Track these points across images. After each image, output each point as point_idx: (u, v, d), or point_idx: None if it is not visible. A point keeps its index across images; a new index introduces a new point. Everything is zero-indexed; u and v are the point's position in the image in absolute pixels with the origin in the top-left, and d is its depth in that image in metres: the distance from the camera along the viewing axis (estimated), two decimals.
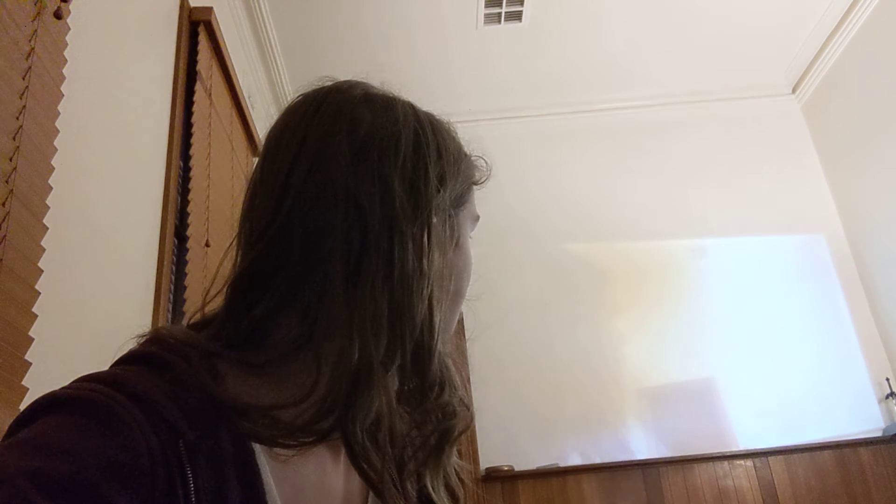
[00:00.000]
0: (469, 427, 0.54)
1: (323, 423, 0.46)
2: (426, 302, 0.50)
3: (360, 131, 0.53)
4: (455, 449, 0.55)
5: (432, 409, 0.51)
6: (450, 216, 0.56)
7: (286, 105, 0.58)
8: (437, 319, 0.51)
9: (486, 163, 0.62)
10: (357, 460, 0.47)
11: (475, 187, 0.61)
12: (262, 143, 0.57)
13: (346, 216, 0.50)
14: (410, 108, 0.57)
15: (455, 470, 0.57)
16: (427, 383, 0.50)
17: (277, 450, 0.47)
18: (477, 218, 0.62)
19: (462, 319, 0.62)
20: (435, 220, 0.53)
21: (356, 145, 0.52)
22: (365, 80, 0.59)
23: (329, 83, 0.58)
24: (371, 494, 0.57)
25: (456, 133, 0.60)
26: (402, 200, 0.51)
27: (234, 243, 0.55)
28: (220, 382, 0.47)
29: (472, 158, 0.61)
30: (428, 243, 0.52)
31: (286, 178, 0.52)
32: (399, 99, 0.58)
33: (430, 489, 0.55)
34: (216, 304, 0.54)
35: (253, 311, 0.50)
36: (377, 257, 0.49)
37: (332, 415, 0.46)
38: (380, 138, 0.53)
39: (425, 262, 0.51)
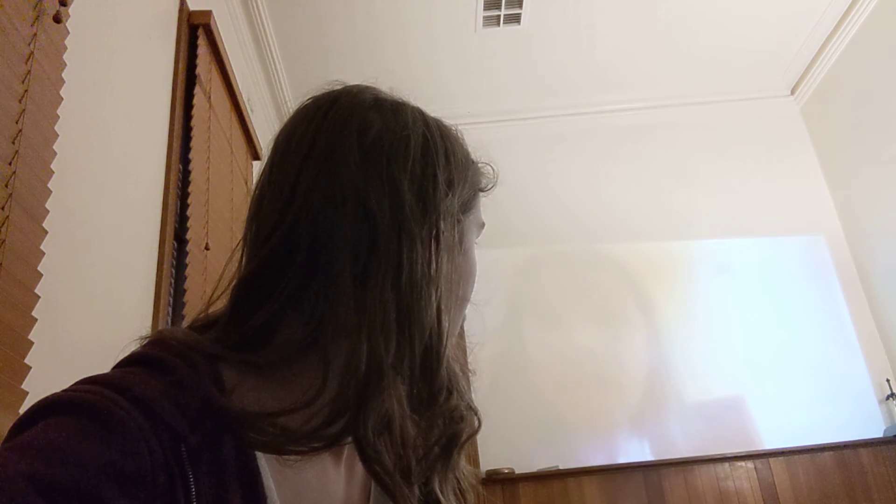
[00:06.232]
0: (477, 432, 0.54)
1: (333, 428, 0.46)
2: (435, 306, 0.50)
3: (370, 135, 0.53)
4: (463, 454, 0.54)
5: (440, 413, 0.51)
6: (458, 221, 0.56)
7: (289, 108, 0.58)
8: (445, 324, 0.51)
9: (492, 170, 0.62)
10: (370, 463, 0.47)
11: (481, 194, 0.61)
12: (271, 144, 0.57)
13: (355, 219, 0.49)
14: (419, 114, 0.57)
15: (465, 474, 0.56)
16: (435, 388, 0.50)
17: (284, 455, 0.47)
18: (482, 225, 0.62)
19: (462, 324, 0.62)
20: (443, 224, 0.52)
21: (365, 149, 0.52)
22: (374, 85, 0.59)
23: (339, 87, 0.58)
24: (372, 498, 0.57)
25: (463, 139, 0.60)
26: (411, 204, 0.50)
27: (240, 244, 0.55)
28: (225, 390, 0.46)
29: (479, 165, 0.61)
30: (436, 247, 0.51)
31: (295, 180, 0.52)
32: (408, 104, 0.58)
33: (439, 493, 0.54)
34: (220, 305, 0.54)
35: (258, 313, 0.50)
36: (386, 260, 0.49)
37: (343, 418, 0.46)
38: (389, 142, 0.53)
39: (434, 266, 0.51)
